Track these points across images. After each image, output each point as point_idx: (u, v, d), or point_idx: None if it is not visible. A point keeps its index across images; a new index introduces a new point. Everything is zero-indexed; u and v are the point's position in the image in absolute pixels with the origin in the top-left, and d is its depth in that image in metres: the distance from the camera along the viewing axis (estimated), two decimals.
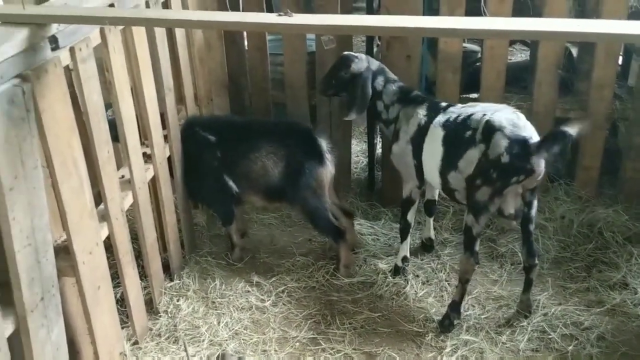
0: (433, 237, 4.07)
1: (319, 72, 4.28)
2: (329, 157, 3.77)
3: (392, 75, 3.71)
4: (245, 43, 4.55)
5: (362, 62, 3.65)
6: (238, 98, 4.68)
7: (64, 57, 2.48)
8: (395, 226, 4.23)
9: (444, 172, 3.31)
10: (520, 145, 3.01)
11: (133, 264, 3.17)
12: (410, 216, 3.75)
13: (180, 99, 3.97)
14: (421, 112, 3.49)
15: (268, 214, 4.57)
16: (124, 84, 3.01)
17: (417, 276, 3.80)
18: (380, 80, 3.65)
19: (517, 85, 4.71)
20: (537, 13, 4.32)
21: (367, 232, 4.24)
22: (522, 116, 3.19)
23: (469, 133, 3.19)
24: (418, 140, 3.48)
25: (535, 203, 3.28)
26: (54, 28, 2.35)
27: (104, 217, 2.91)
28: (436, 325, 3.38)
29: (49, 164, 2.38)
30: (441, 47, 4.19)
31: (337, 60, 3.76)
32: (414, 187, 3.67)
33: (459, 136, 3.24)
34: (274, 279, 3.81)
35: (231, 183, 3.85)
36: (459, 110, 3.37)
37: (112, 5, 2.86)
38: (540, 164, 3.04)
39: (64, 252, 2.60)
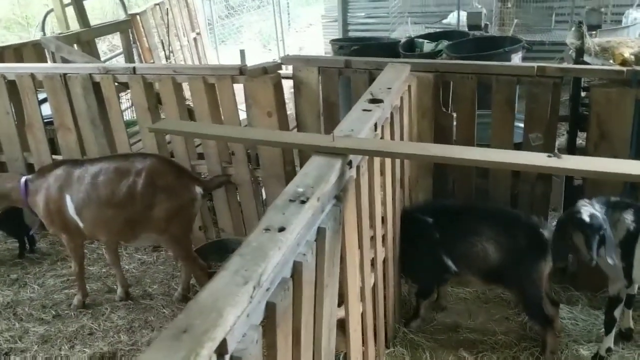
0: (632, 327, 4.26)
1: None
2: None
3: None
4: (454, 133, 4.97)
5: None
6: (441, 181, 5.07)
7: (353, 174, 3.11)
8: (593, 312, 4.46)
9: None
10: None
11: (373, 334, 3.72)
12: (617, 312, 3.96)
13: None
14: (628, 218, 3.71)
15: (462, 288, 4.95)
16: (377, 187, 3.61)
17: None
18: None
19: None
20: None
21: (567, 317, 4.47)
22: None
23: None
24: (627, 245, 3.70)
25: None
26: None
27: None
28: None
29: (342, 261, 2.99)
30: None
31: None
32: (622, 286, 3.90)
33: None
34: (480, 355, 4.17)
35: (450, 262, 4.26)
36: None
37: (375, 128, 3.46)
38: None
39: (337, 328, 3.19)
